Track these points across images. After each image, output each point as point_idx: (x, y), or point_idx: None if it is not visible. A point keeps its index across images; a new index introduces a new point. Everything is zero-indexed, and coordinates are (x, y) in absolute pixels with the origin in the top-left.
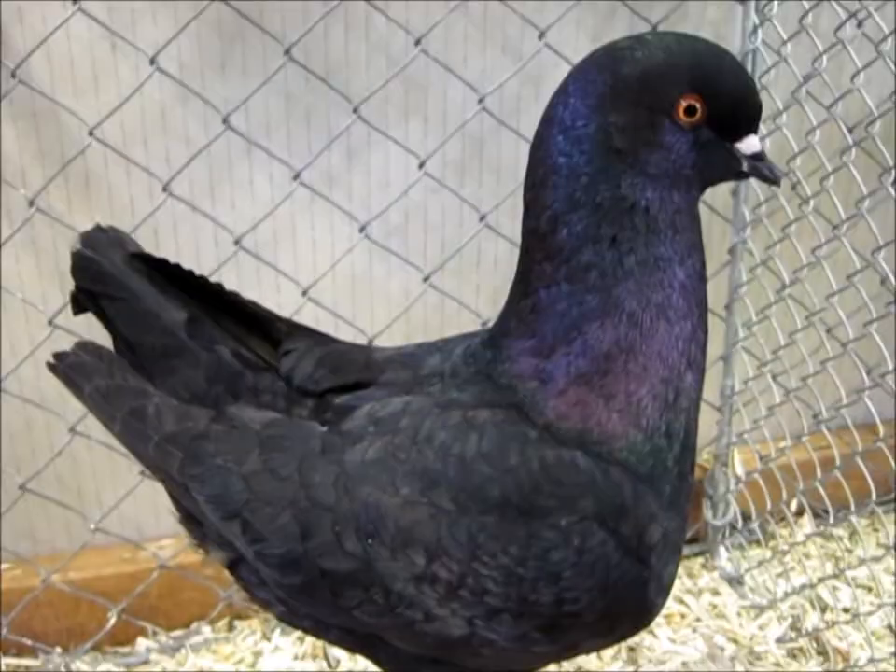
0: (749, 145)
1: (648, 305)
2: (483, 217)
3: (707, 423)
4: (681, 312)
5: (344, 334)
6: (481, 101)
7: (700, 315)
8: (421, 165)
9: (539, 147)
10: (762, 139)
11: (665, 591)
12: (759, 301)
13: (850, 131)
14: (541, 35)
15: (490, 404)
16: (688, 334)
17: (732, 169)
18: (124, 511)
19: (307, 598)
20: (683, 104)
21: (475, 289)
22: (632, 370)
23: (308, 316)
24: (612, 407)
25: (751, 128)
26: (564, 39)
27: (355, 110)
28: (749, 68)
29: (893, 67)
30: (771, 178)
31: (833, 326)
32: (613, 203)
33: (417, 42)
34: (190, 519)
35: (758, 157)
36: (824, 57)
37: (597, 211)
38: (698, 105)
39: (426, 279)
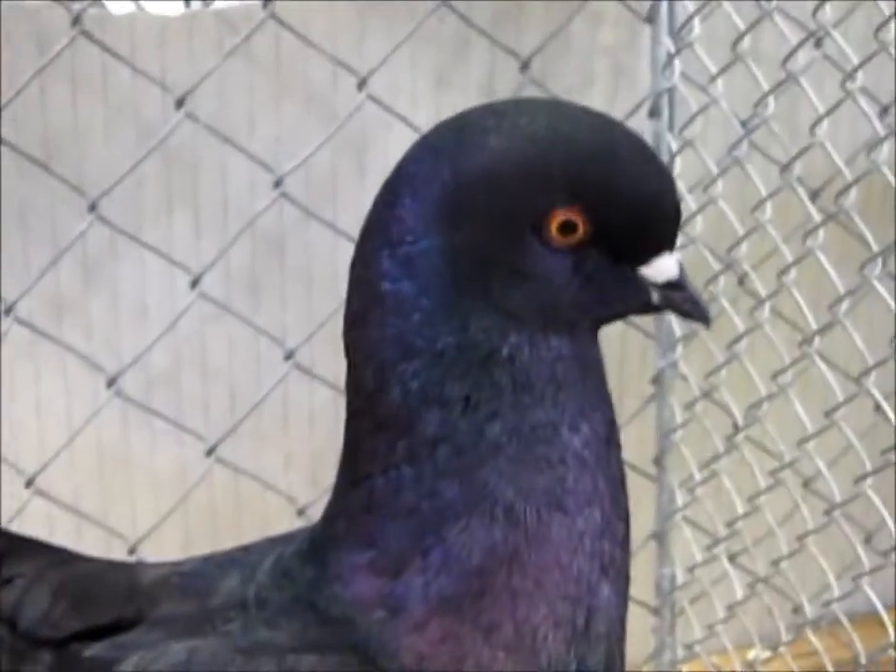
0: (660, 269)
1: (531, 493)
2: (290, 355)
3: (640, 632)
4: (583, 496)
5: (92, 543)
6: (278, 183)
7: (613, 494)
8: (194, 283)
9: (357, 265)
10: (683, 247)
11: None
12: (702, 450)
13: (814, 199)
14: (361, 84)
15: (317, 647)
16: (597, 527)
17: (635, 302)
18: None
19: None
20: (557, 219)
21: (284, 461)
22: (519, 587)
23: (36, 517)
24: (496, 642)
25: (663, 246)
26: (395, 87)
27: (92, 207)
28: (663, 115)
29: (867, 110)
30: (695, 316)
31: (810, 479)
32: (462, 352)
33: (180, 103)
34: None
35: (675, 286)
36: (770, 98)
37: (439, 362)
38: (578, 221)
39: (209, 451)
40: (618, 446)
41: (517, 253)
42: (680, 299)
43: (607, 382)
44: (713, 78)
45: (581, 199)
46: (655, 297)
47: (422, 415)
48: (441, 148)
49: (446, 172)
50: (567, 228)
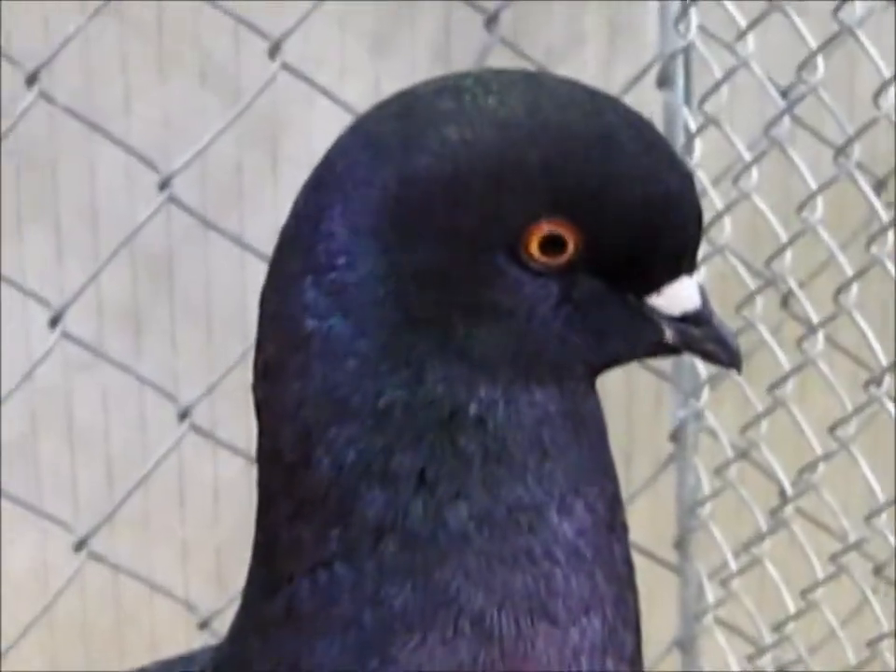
0: (675, 298)
1: (508, 598)
2: (184, 413)
3: None
4: (577, 600)
5: None
6: (164, 184)
7: (617, 595)
8: (55, 320)
9: (270, 296)
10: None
11: None
12: (738, 529)
13: (879, 192)
14: (274, 50)
15: None
16: (596, 641)
17: (643, 342)
18: None
19: None
20: (538, 233)
21: (180, 556)
22: None
23: None
24: None
25: (678, 268)
26: (318, 54)
27: None
28: (676, 84)
29: None
30: (722, 359)
31: (883, 564)
32: (414, 411)
33: (32, 79)
34: None
35: (695, 319)
36: (819, 59)
37: (384, 424)
38: (566, 236)
39: (79, 544)
40: (624, 529)
41: (486, 279)
42: (703, 336)
43: (608, 443)
44: (743, 34)
45: (570, 206)
46: (669, 334)
47: (361, 496)
48: (381, 140)
49: (388, 172)
50: (551, 245)
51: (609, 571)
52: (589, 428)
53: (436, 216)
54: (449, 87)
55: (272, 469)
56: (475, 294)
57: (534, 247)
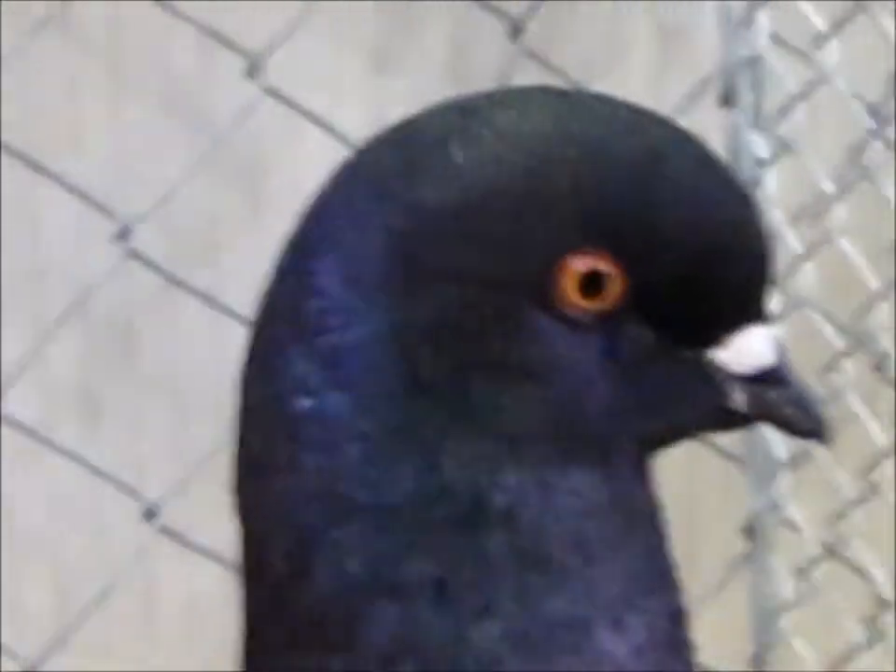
0: (743, 352)
1: None
2: (151, 513)
3: None
4: None
5: None
6: (123, 234)
7: None
8: None
9: (251, 372)
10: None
11: None
12: (829, 642)
13: None
14: (252, 70)
15: None
16: None
17: (705, 407)
18: None
19: None
20: (575, 270)
21: None
22: None
23: None
24: None
25: (746, 315)
26: (308, 74)
27: None
28: (742, 102)
29: None
30: (804, 429)
31: None
32: (429, 506)
33: None
34: None
35: (770, 378)
36: None
37: (393, 524)
38: (606, 270)
39: None
40: (691, 649)
41: (511, 333)
42: (780, 400)
43: (669, 541)
44: (823, 40)
45: (609, 237)
46: (739, 398)
47: (369, 614)
48: (379, 172)
49: (389, 207)
50: (591, 285)
51: None
52: (644, 523)
53: (448, 255)
54: (457, 106)
55: (258, 589)
56: (499, 352)
57: (570, 289)
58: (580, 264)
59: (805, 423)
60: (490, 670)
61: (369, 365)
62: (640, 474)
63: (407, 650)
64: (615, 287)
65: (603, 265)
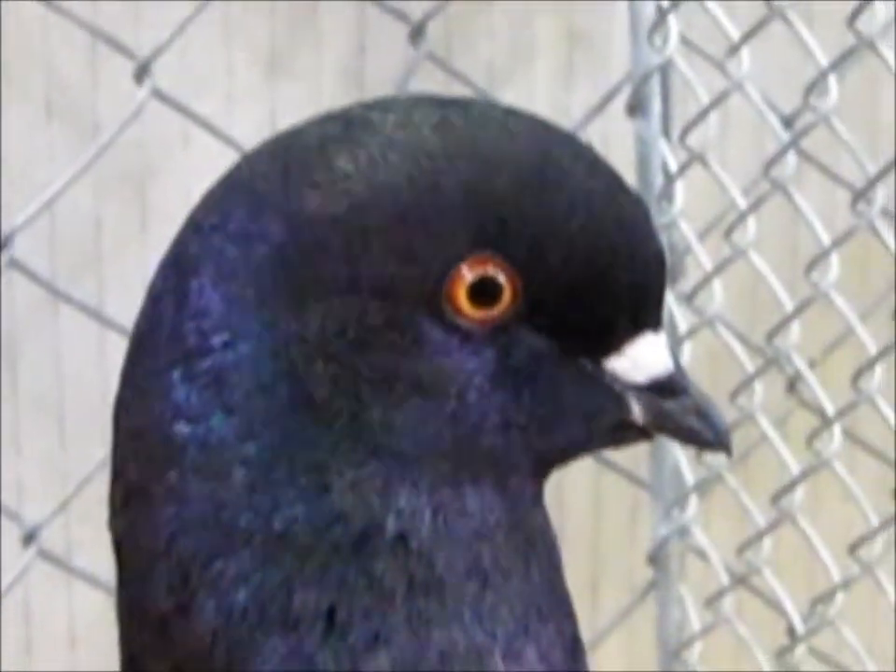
0: (639, 360)
1: None
2: (30, 536)
3: None
4: None
5: None
6: (2, 247)
7: None
8: None
9: (128, 400)
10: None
11: None
12: (734, 669)
13: None
14: (141, 72)
15: None
16: None
17: (604, 421)
18: None
19: None
20: (466, 277)
21: None
22: None
23: None
24: None
25: (641, 322)
26: (197, 78)
27: None
28: (651, 111)
29: None
30: (704, 439)
31: None
32: (317, 531)
33: None
34: None
35: (668, 387)
36: (831, 80)
37: (281, 552)
38: (499, 277)
39: None
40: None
41: (401, 346)
42: (679, 410)
43: (562, 569)
44: (736, 48)
45: (500, 242)
46: (636, 410)
47: (257, 648)
48: (260, 187)
49: (269, 218)
50: (482, 292)
51: None
52: (539, 549)
53: (333, 267)
54: (336, 115)
55: (139, 624)
56: (390, 366)
57: (461, 298)
58: (470, 272)
59: (705, 433)
60: None
61: (253, 385)
62: (536, 497)
63: None
64: (507, 295)
65: (493, 272)
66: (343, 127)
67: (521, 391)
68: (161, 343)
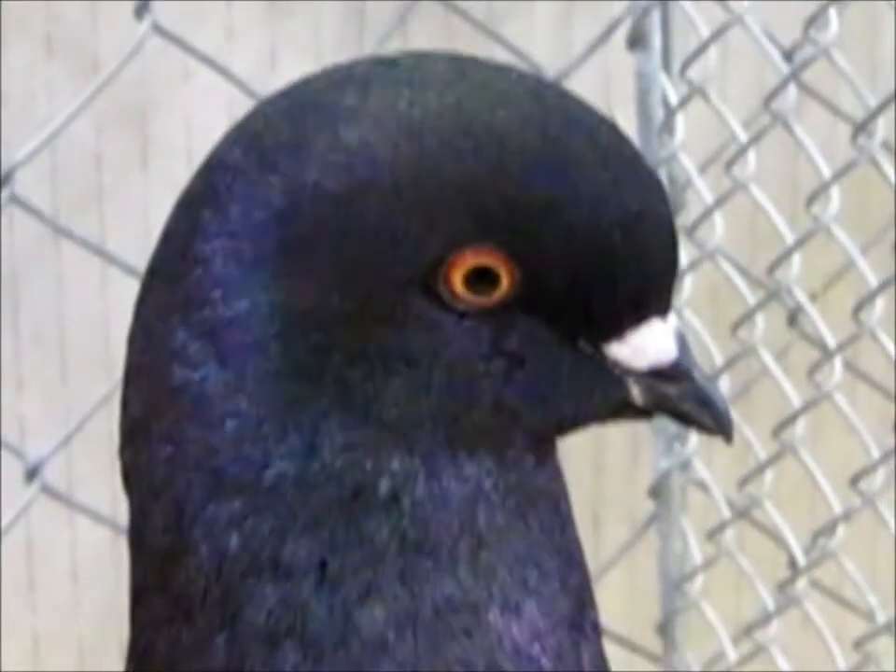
0: (641, 348)
1: None
2: (33, 472)
3: None
4: None
5: None
6: (3, 183)
7: None
8: None
9: (137, 339)
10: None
11: None
12: (738, 610)
13: None
14: (141, 9)
15: None
16: None
17: (604, 402)
18: None
19: None
20: (463, 264)
21: (31, 653)
22: None
23: None
24: None
25: (646, 308)
26: (198, 14)
27: None
28: (651, 45)
29: None
30: (703, 423)
31: None
32: (309, 488)
33: None
34: None
35: (669, 374)
36: (832, 12)
37: (273, 502)
38: (499, 267)
39: None
40: (595, 629)
41: (396, 320)
42: (679, 396)
43: (572, 522)
44: None
45: (500, 231)
46: (636, 393)
47: (249, 593)
48: (269, 147)
49: (273, 184)
50: (479, 279)
51: None
52: (541, 507)
53: (330, 241)
54: (356, 77)
55: (142, 557)
56: (383, 338)
57: (457, 284)
58: (467, 259)
59: (705, 418)
60: (377, 656)
61: (247, 342)
62: (538, 459)
63: (289, 633)
64: (504, 283)
65: (492, 261)
66: (360, 97)
67: (515, 372)
68: (167, 285)
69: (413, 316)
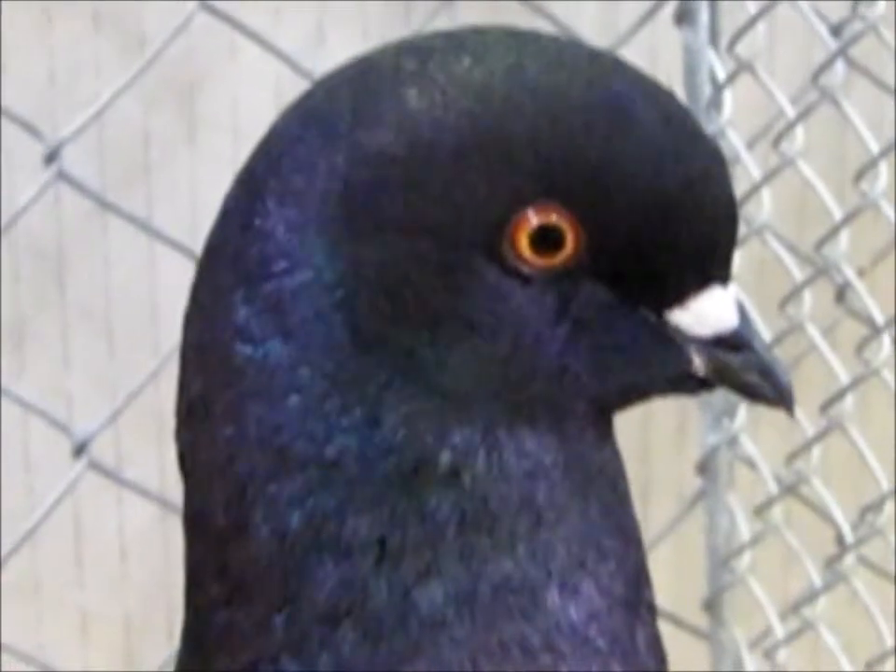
0: (704, 315)
1: None
2: (80, 448)
3: None
4: None
5: None
6: (52, 157)
7: None
8: None
9: (194, 315)
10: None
11: None
12: (786, 585)
13: None
14: None
15: None
16: None
17: (665, 372)
18: None
19: None
20: (527, 224)
21: (78, 632)
22: None
23: None
24: None
25: (708, 275)
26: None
27: None
28: (698, 21)
29: None
30: (765, 394)
31: None
32: (370, 463)
33: None
34: None
35: (731, 342)
36: None
37: (334, 479)
38: (562, 226)
39: None
40: (650, 610)
41: (460, 287)
42: (741, 366)
43: (629, 502)
44: None
45: (565, 191)
46: (697, 362)
47: (311, 571)
48: (328, 114)
49: (335, 151)
50: (544, 241)
51: (630, 665)
52: (600, 485)
53: (394, 205)
54: (414, 47)
55: (199, 538)
56: (446, 306)
57: (522, 245)
58: (533, 219)
59: (767, 389)
60: (435, 635)
61: (310, 314)
62: (598, 435)
63: (349, 611)
64: (570, 244)
65: (558, 220)
66: (420, 63)
67: (579, 339)
68: (226, 261)
69: (478, 282)
